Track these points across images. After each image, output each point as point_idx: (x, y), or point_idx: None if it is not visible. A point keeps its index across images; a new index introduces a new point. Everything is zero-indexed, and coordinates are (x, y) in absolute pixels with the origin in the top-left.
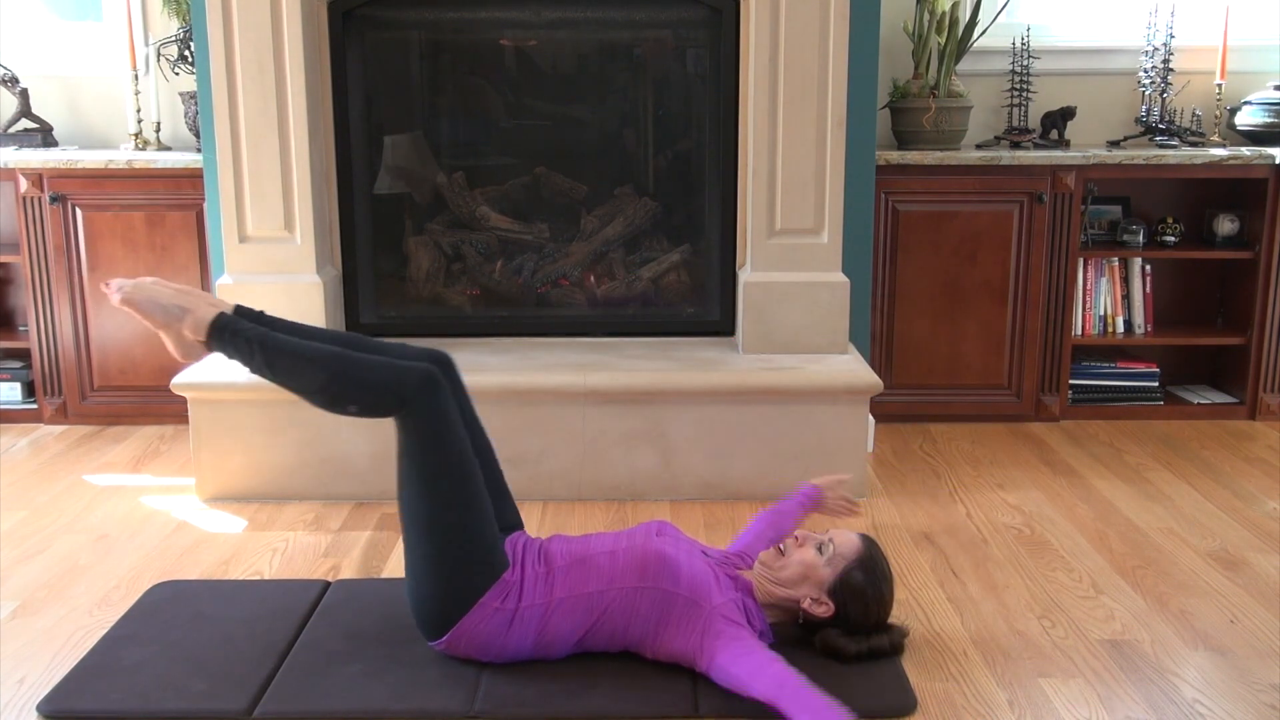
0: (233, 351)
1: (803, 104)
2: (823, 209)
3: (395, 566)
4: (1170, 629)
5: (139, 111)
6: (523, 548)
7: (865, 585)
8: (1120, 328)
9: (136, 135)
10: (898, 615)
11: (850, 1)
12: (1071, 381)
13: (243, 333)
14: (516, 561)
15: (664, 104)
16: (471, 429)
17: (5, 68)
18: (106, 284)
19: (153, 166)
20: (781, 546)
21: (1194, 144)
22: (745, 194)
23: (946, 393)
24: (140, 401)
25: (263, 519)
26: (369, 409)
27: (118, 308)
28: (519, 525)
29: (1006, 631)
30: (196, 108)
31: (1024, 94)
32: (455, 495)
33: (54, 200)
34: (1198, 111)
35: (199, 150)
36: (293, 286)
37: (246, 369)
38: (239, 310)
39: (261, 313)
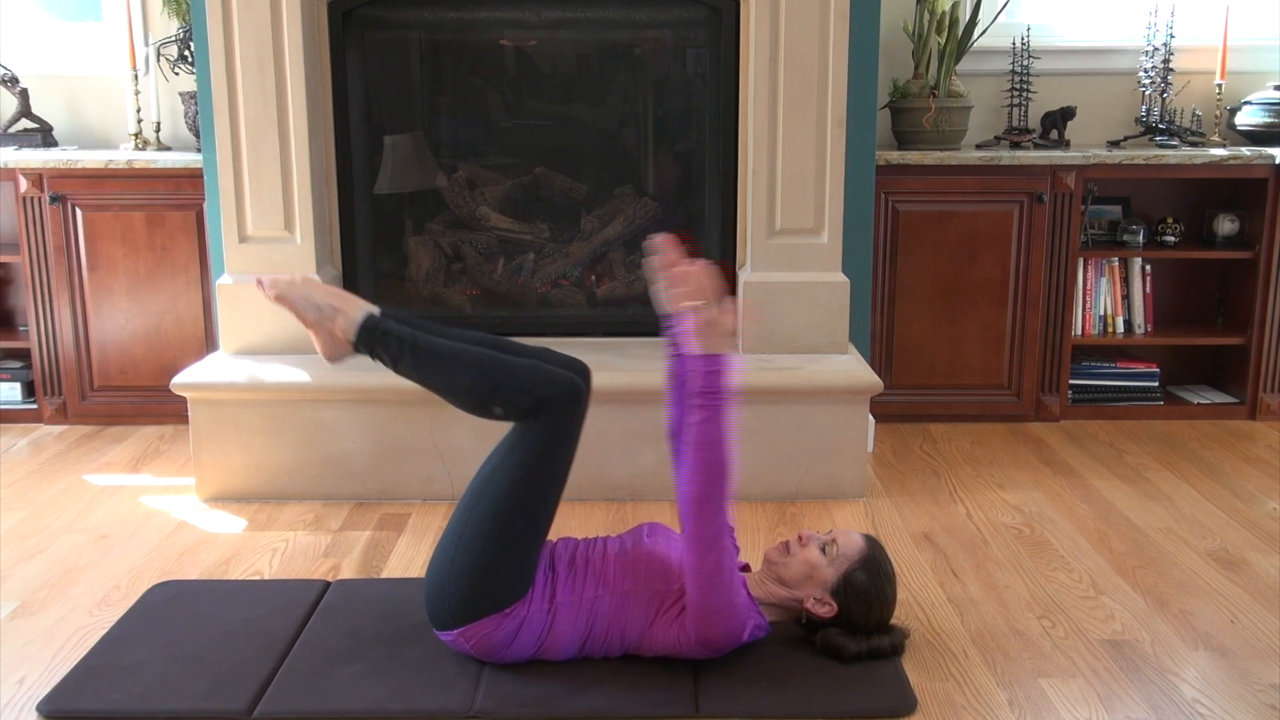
0: (381, 351)
1: (803, 104)
2: (823, 209)
3: (395, 566)
4: (1170, 629)
5: (139, 111)
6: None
7: (868, 586)
8: (1120, 328)
9: (136, 135)
10: (898, 615)
11: (850, 1)
12: (1071, 381)
13: (392, 333)
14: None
15: (664, 104)
16: None
17: (5, 68)
18: (260, 280)
19: (153, 166)
20: (788, 545)
21: (1194, 144)
22: (745, 194)
23: (946, 393)
24: (140, 401)
25: (263, 519)
26: (512, 411)
27: (272, 303)
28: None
29: (1006, 631)
30: (196, 108)
31: (1024, 94)
32: (536, 503)
33: (54, 200)
34: (1198, 111)
35: (199, 150)
36: None
37: (392, 370)
38: (385, 312)
39: (408, 315)
